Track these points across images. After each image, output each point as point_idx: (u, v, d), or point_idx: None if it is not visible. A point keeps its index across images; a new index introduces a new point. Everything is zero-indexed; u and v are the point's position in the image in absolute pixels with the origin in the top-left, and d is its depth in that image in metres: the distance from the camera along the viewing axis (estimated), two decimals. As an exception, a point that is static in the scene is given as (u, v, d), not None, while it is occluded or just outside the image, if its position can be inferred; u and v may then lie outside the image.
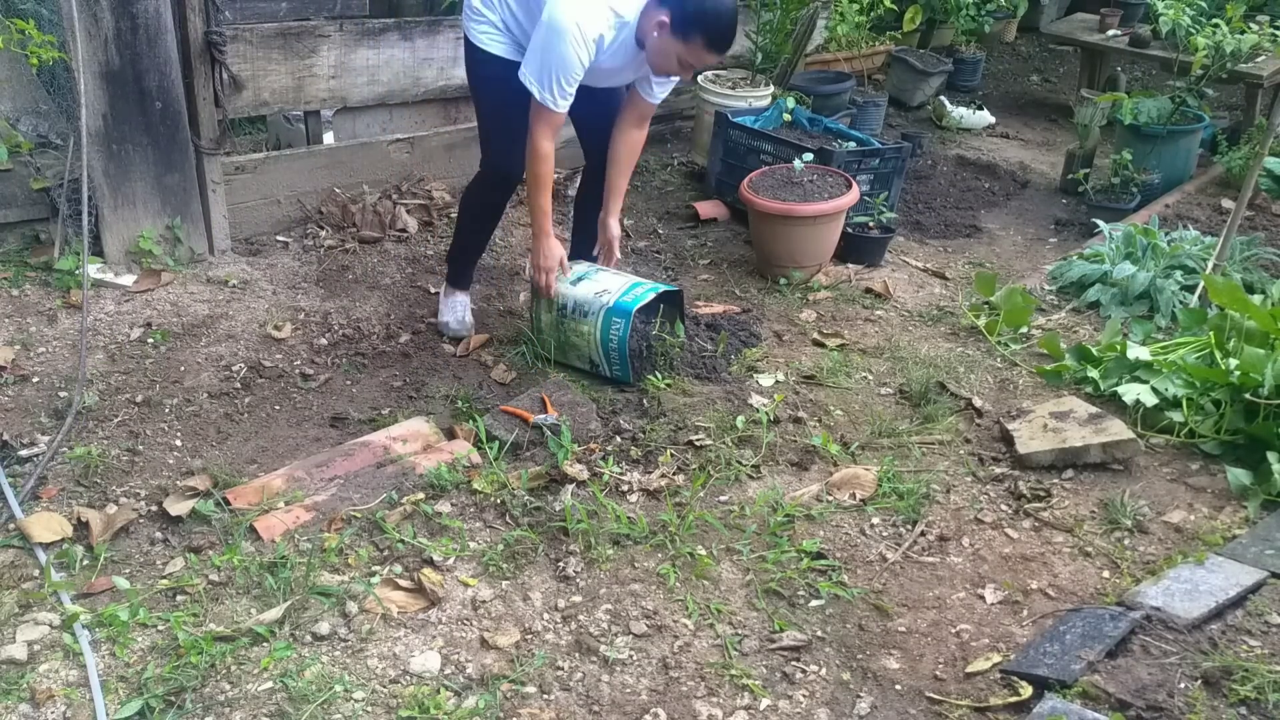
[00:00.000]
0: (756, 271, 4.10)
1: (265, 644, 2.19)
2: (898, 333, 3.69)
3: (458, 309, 3.51)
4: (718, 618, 2.36)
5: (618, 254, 3.44)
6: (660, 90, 3.21)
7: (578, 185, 3.71)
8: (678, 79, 3.19)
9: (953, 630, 2.35)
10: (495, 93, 3.11)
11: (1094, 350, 3.38)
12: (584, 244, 3.62)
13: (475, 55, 3.14)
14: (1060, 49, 7.59)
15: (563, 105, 2.93)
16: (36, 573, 2.36)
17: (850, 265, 4.16)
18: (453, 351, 3.43)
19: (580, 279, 3.27)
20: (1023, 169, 5.62)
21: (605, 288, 3.21)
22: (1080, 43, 6.25)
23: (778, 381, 3.28)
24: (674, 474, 2.81)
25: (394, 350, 3.41)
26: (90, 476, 2.68)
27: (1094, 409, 3.05)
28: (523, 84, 2.95)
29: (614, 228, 3.40)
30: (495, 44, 3.08)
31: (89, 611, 2.24)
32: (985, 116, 6.15)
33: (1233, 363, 3.02)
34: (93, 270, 3.48)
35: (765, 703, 2.14)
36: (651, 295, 3.18)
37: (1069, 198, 5.25)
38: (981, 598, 2.45)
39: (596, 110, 3.21)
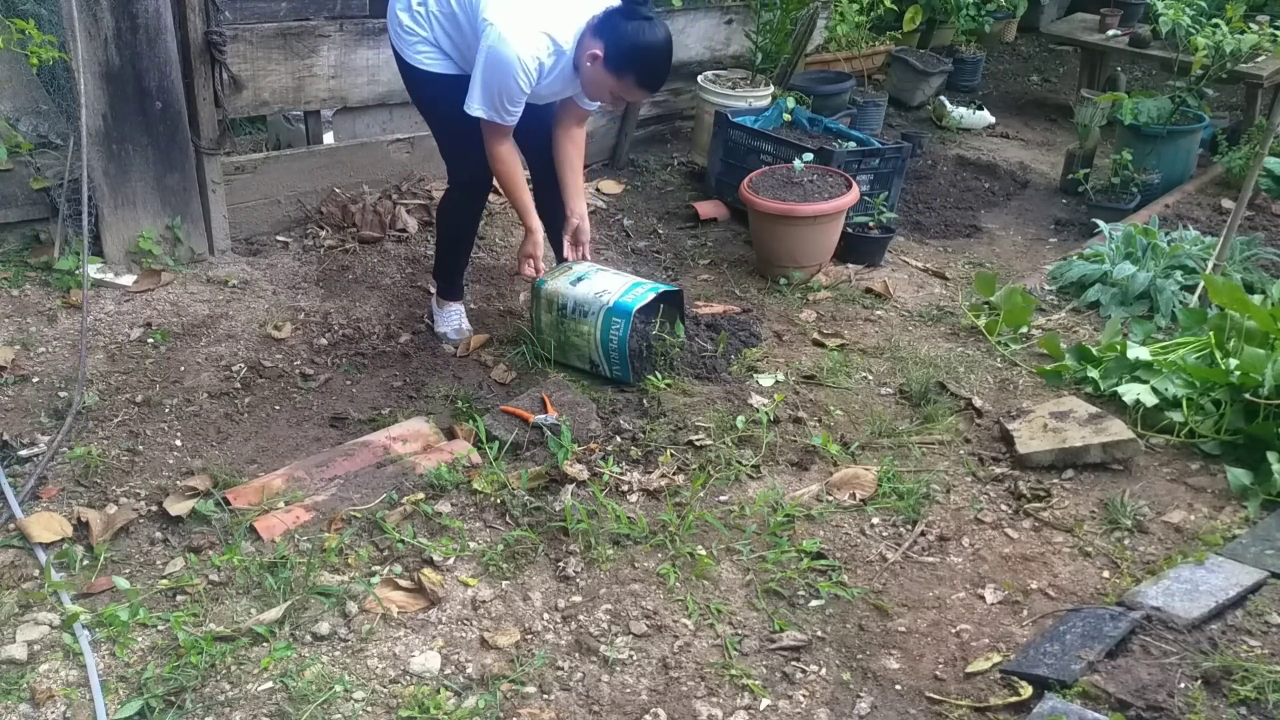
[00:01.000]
0: (756, 271, 4.10)
1: (265, 644, 2.19)
2: (898, 333, 3.69)
3: (453, 318, 3.51)
4: (718, 618, 2.36)
5: (587, 234, 3.37)
6: (592, 104, 3.20)
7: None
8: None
9: (953, 630, 2.35)
10: (447, 110, 3.08)
11: (1094, 350, 3.38)
12: (560, 244, 3.63)
13: (416, 77, 3.12)
14: (1060, 49, 7.60)
15: (513, 119, 2.96)
16: (36, 573, 2.36)
17: (850, 265, 4.16)
18: (453, 351, 3.43)
19: (580, 279, 3.26)
20: (1023, 169, 5.62)
21: (605, 288, 3.21)
22: (1080, 43, 6.25)
23: (778, 381, 3.28)
24: (674, 474, 2.81)
25: (394, 350, 3.41)
26: (90, 476, 2.68)
27: (1094, 409, 3.05)
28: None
29: (575, 217, 3.33)
30: (434, 63, 3.07)
31: (89, 611, 2.24)
32: (985, 116, 6.15)
33: (1233, 363, 3.02)
34: (93, 270, 3.48)
35: (765, 703, 2.14)
36: (651, 295, 3.18)
37: (1069, 198, 5.26)
38: (981, 598, 2.45)
39: (531, 120, 3.15)
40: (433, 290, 3.59)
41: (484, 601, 2.36)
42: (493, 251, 4.03)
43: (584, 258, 3.42)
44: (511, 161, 3.09)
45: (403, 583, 2.39)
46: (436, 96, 3.13)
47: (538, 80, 2.92)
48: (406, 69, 3.14)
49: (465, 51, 3.02)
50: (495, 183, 3.27)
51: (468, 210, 3.38)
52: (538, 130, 3.25)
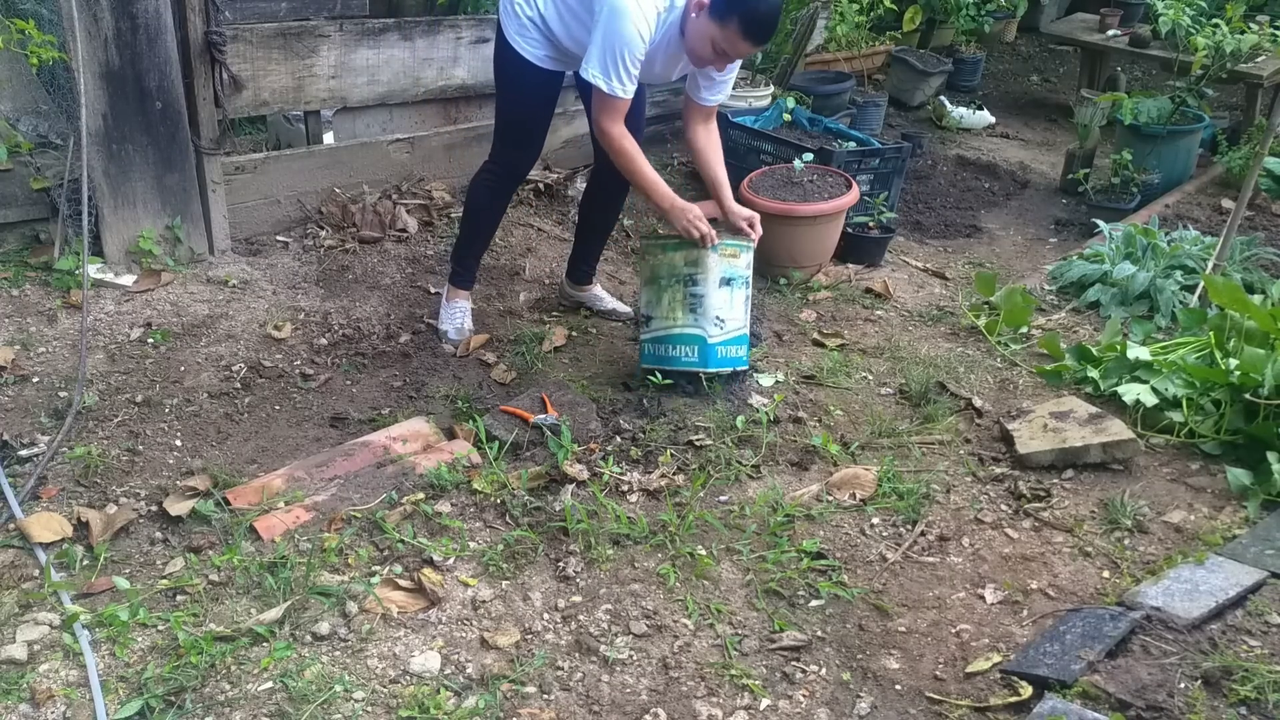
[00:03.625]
0: (756, 271, 4.08)
1: (265, 644, 2.19)
2: (898, 333, 3.69)
3: (457, 316, 3.49)
4: (718, 618, 2.35)
5: (759, 228, 3.18)
6: (709, 92, 3.13)
7: (584, 187, 3.69)
8: (727, 82, 3.13)
9: (953, 630, 2.35)
10: (521, 97, 3.10)
11: (1094, 350, 3.38)
12: (588, 244, 3.62)
13: (508, 54, 3.10)
14: (1060, 49, 7.60)
15: (630, 89, 2.87)
16: (36, 573, 2.36)
17: (850, 265, 4.16)
18: (452, 351, 3.43)
19: (730, 280, 3.09)
20: (1023, 169, 5.62)
21: (727, 317, 3.09)
22: (1080, 43, 6.26)
23: (778, 381, 3.28)
24: (674, 474, 2.81)
25: (394, 350, 3.41)
26: (90, 476, 2.68)
27: (1094, 409, 3.05)
28: (550, 91, 2.97)
29: (739, 208, 3.22)
30: (531, 49, 3.05)
31: (89, 611, 2.23)
32: (985, 116, 6.16)
33: (1233, 363, 3.02)
34: (93, 270, 3.48)
35: (765, 703, 2.14)
36: (727, 370, 3.13)
37: (1069, 198, 5.26)
38: (981, 598, 2.45)
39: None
40: (433, 290, 3.59)
41: (484, 601, 2.36)
42: (493, 252, 4.03)
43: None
44: (629, 139, 2.95)
45: (403, 583, 2.39)
46: (518, 79, 3.10)
47: (656, 29, 2.83)
48: (502, 44, 3.12)
49: (573, 32, 2.97)
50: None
51: (497, 191, 3.36)
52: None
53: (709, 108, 3.19)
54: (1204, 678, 2.06)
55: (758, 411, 3.07)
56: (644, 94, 3.27)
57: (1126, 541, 2.63)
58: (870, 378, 3.36)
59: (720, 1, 2.76)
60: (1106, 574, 2.52)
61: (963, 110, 6.11)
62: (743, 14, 2.74)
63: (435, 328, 3.51)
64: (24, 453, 2.74)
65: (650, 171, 3.03)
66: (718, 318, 3.08)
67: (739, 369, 3.18)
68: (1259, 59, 5.40)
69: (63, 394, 3.00)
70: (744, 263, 3.14)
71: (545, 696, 2.13)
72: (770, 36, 2.91)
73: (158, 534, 2.51)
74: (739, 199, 4.07)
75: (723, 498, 2.77)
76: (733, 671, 2.20)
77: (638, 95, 3.19)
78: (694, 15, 2.83)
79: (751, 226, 3.17)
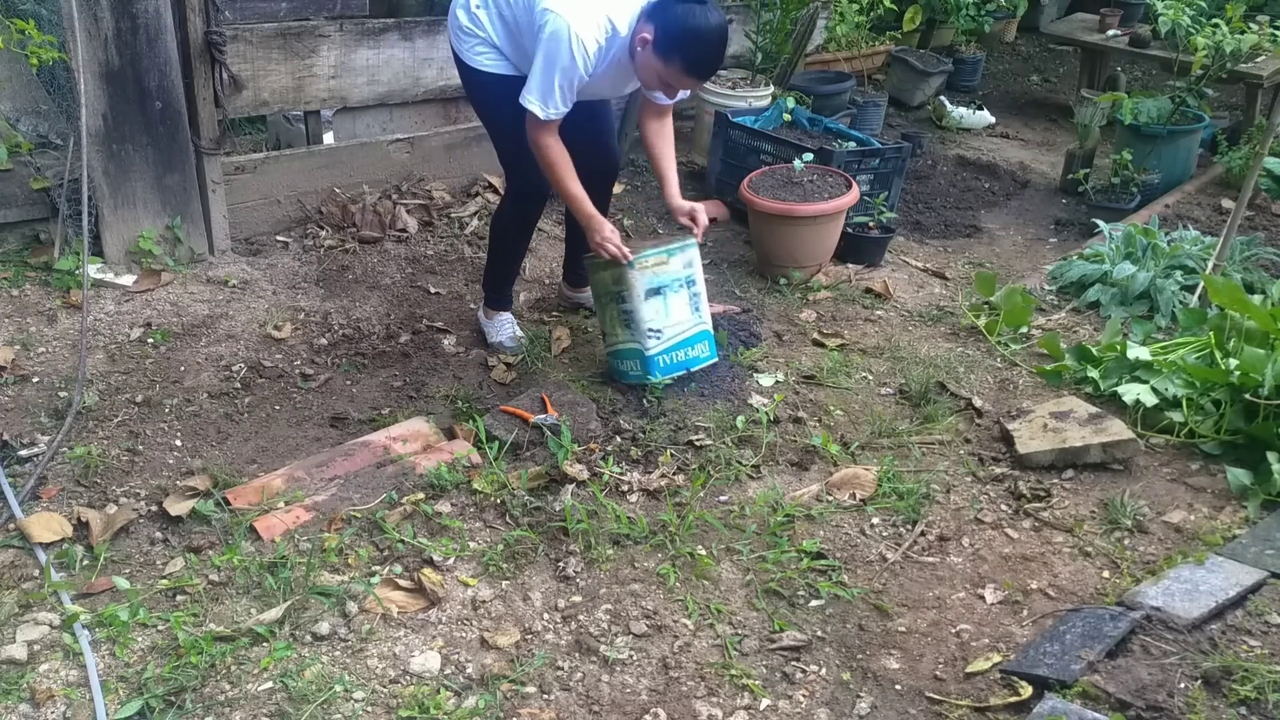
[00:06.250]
0: (756, 271, 4.10)
1: (265, 644, 2.19)
2: (898, 333, 3.69)
3: (506, 327, 3.46)
4: (718, 618, 2.36)
5: (703, 219, 3.17)
6: (665, 98, 3.11)
7: None
8: (685, 93, 3.12)
9: (953, 630, 2.35)
10: (508, 112, 3.03)
11: (1094, 350, 3.38)
12: (578, 247, 3.62)
13: (475, 77, 3.07)
14: (1060, 49, 7.60)
15: (564, 110, 2.88)
16: (36, 573, 2.36)
17: (850, 265, 4.16)
18: (453, 351, 3.42)
19: (658, 290, 3.08)
20: (1023, 169, 5.62)
21: (660, 325, 3.07)
22: (1080, 43, 6.26)
23: (778, 381, 3.28)
24: (674, 474, 2.81)
25: (394, 350, 3.41)
26: (90, 476, 2.68)
27: (1094, 409, 3.05)
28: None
29: (685, 203, 3.19)
30: (493, 63, 3.03)
31: (89, 611, 2.24)
32: (985, 116, 6.16)
33: (1233, 363, 3.02)
34: (93, 270, 3.48)
35: (765, 703, 2.14)
36: (680, 372, 3.13)
37: (1069, 198, 5.26)
38: (981, 598, 2.45)
39: (581, 118, 3.08)
40: (432, 290, 3.59)
41: (484, 601, 2.36)
42: (493, 251, 4.03)
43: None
44: (559, 150, 2.95)
45: (403, 583, 2.39)
46: (496, 98, 3.06)
47: (594, 64, 2.84)
48: (465, 70, 3.09)
49: (524, 52, 2.96)
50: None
51: (524, 220, 3.32)
52: (586, 128, 3.13)
53: (664, 107, 3.18)
54: (1204, 678, 2.06)
55: (758, 411, 3.07)
56: (608, 107, 3.24)
57: (1126, 541, 2.63)
58: (870, 378, 3.36)
59: (663, 40, 2.77)
60: (1106, 574, 2.52)
61: (963, 110, 6.11)
62: (684, 54, 2.78)
63: (487, 344, 3.45)
64: (24, 453, 2.74)
65: (575, 186, 3.00)
66: (650, 330, 3.06)
67: (702, 366, 3.17)
68: (1259, 59, 5.40)
69: (63, 394, 3.00)
70: (679, 264, 3.12)
71: (545, 696, 2.13)
72: (714, 72, 2.95)
73: (158, 534, 2.51)
74: (739, 200, 4.09)
75: (723, 498, 2.77)
76: (733, 671, 2.20)
77: (601, 107, 3.16)
78: (639, 49, 2.84)
79: (694, 220, 3.15)
